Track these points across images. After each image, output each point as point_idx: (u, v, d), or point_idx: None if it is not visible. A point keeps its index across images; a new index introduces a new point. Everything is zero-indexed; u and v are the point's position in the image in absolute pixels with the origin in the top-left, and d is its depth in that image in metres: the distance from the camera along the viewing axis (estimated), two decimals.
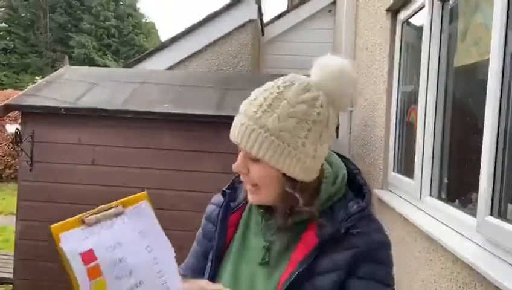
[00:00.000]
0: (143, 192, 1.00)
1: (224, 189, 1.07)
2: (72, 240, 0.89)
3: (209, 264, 1.04)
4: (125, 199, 0.98)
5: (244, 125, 0.89)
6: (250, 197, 0.97)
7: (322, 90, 0.91)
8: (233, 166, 0.94)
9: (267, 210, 0.99)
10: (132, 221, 0.96)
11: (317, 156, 0.91)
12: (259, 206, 1.00)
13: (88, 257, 0.89)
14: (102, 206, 0.95)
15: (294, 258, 0.92)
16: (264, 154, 0.87)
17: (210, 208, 1.12)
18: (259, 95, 0.91)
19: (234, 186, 1.08)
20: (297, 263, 0.90)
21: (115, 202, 0.96)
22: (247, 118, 0.89)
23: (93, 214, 0.93)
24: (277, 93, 0.89)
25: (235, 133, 0.91)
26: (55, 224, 0.89)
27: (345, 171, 1.00)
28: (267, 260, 0.96)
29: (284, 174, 0.90)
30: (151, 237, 0.97)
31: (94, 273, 0.89)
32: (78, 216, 0.92)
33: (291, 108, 0.88)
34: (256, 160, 0.90)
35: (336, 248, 0.90)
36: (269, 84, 0.93)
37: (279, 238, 0.95)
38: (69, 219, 0.91)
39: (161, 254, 0.96)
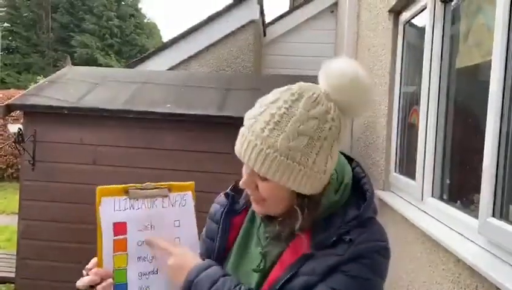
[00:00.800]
0: (191, 182, 1.00)
1: (227, 191, 1.06)
2: (111, 208, 0.91)
3: None
4: (173, 183, 0.98)
5: (250, 145, 0.83)
6: (255, 208, 0.95)
7: (333, 102, 0.85)
8: (241, 183, 0.91)
9: (269, 217, 0.96)
10: (173, 208, 0.96)
11: (328, 170, 0.87)
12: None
13: (119, 229, 0.91)
14: (149, 183, 0.95)
15: (284, 260, 0.90)
16: (274, 175, 0.83)
17: (214, 207, 1.09)
18: (265, 109, 0.84)
19: (238, 188, 1.04)
20: (287, 265, 0.89)
21: (162, 183, 0.96)
22: (254, 136, 0.83)
23: (139, 188, 0.94)
24: (285, 108, 0.82)
25: (241, 151, 0.86)
26: (102, 186, 0.91)
27: (350, 175, 0.95)
28: (262, 267, 0.94)
29: (293, 191, 0.87)
30: (184, 230, 0.97)
31: (120, 246, 0.91)
32: (123, 185, 0.92)
33: (301, 125, 0.81)
34: (264, 178, 0.86)
35: (324, 253, 0.86)
36: (275, 94, 0.86)
37: (274, 247, 0.94)
38: (115, 186, 0.92)
39: (188, 249, 0.97)
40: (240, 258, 0.99)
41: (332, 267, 0.84)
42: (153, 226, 0.94)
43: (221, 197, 1.10)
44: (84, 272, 0.95)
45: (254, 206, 0.95)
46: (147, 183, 0.95)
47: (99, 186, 0.91)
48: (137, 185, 0.94)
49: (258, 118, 0.84)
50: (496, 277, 1.36)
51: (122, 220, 0.91)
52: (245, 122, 0.87)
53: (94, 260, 0.91)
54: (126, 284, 0.93)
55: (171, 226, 0.96)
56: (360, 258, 0.84)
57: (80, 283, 0.93)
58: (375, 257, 0.86)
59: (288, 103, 0.83)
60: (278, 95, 0.86)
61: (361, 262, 0.84)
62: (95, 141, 3.27)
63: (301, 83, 0.88)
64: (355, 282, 0.83)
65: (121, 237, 0.91)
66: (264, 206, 0.92)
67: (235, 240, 1.02)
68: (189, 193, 0.99)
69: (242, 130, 0.87)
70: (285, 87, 0.88)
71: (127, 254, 0.91)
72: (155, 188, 0.96)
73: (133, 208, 0.92)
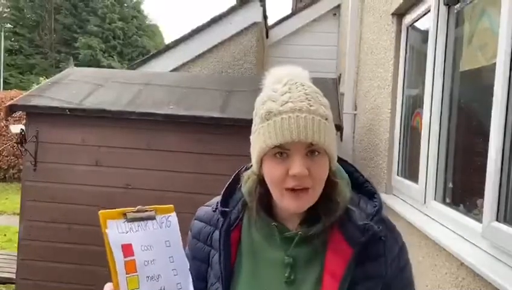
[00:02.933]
0: (171, 205, 1.03)
1: (220, 208, 0.99)
2: (115, 230, 0.94)
3: (217, 286, 0.97)
4: (157, 206, 1.02)
5: (307, 120, 0.84)
6: (295, 205, 0.88)
7: None
8: (297, 170, 0.84)
9: (277, 221, 0.93)
10: (160, 229, 1.00)
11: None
12: (270, 219, 0.94)
13: (127, 250, 0.94)
14: (141, 207, 0.98)
15: (330, 271, 0.87)
16: (330, 144, 0.87)
17: (198, 225, 1.05)
18: (289, 92, 0.88)
19: (227, 202, 1.01)
20: (341, 276, 0.86)
21: (148, 206, 1.00)
22: (305, 112, 0.85)
23: (134, 211, 0.98)
24: (308, 87, 0.90)
25: (300, 131, 0.83)
26: (103, 210, 0.94)
27: (347, 175, 0.98)
28: (292, 277, 0.90)
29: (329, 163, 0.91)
30: (174, 249, 1.00)
31: (130, 267, 0.94)
32: (120, 209, 0.96)
33: (323, 98, 0.91)
34: (315, 155, 0.86)
35: (366, 255, 0.89)
36: (277, 82, 0.91)
37: (302, 251, 0.91)
38: (114, 210, 0.96)
39: (180, 267, 0.99)
40: (253, 274, 0.94)
41: (387, 266, 0.90)
42: (151, 246, 0.97)
43: (202, 213, 1.06)
44: None
45: (293, 204, 0.88)
46: (138, 207, 0.98)
47: (102, 211, 0.94)
48: (132, 208, 0.97)
49: (294, 99, 0.87)
50: (500, 281, 1.35)
51: (127, 241, 0.95)
52: (278, 109, 0.86)
53: (109, 285, 0.92)
54: None
55: (163, 246, 0.99)
56: (404, 251, 0.95)
57: None
58: (405, 247, 0.97)
59: (303, 84, 0.90)
60: (285, 80, 0.91)
61: (405, 253, 0.96)
62: (97, 142, 3.27)
63: (287, 72, 0.95)
64: (408, 269, 0.97)
65: (130, 258, 0.94)
66: (308, 196, 0.88)
67: (236, 257, 0.97)
68: (173, 215, 1.02)
69: (282, 115, 0.85)
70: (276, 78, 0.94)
71: (137, 275, 0.95)
72: (145, 211, 0.99)
73: (132, 231, 0.96)
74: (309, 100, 0.87)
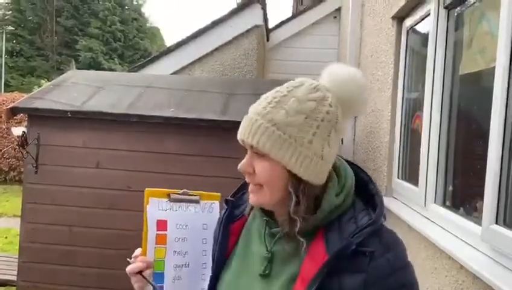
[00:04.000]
0: (219, 193, 1.15)
1: (228, 197, 1.06)
2: (156, 207, 1.07)
3: (209, 272, 1.04)
4: (203, 192, 1.14)
5: (251, 121, 0.88)
6: (251, 198, 0.93)
7: (331, 93, 0.90)
8: (239, 165, 0.92)
9: (272, 217, 0.96)
10: (202, 213, 1.12)
11: (325, 157, 0.87)
12: (264, 213, 0.98)
13: (162, 225, 1.07)
14: (186, 190, 1.11)
15: (305, 274, 0.86)
16: (271, 148, 0.85)
17: (222, 212, 1.10)
18: (268, 95, 0.91)
19: (239, 195, 1.06)
20: (309, 280, 0.84)
21: (195, 191, 1.13)
22: (255, 114, 0.88)
23: (178, 193, 1.10)
24: (287, 92, 0.89)
25: (242, 130, 0.90)
26: (150, 188, 1.08)
27: (353, 179, 0.94)
28: (267, 272, 0.92)
29: (289, 172, 0.87)
30: (210, 233, 1.10)
31: (161, 240, 1.07)
32: (166, 190, 1.10)
33: (300, 105, 0.86)
34: (262, 156, 0.88)
35: (345, 267, 0.83)
36: (278, 87, 0.93)
37: (282, 248, 0.91)
38: (160, 189, 1.10)
39: (209, 249, 1.09)
40: (241, 265, 0.98)
41: (365, 284, 0.82)
42: (187, 225, 1.10)
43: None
44: (130, 260, 1.08)
45: (250, 198, 0.93)
46: (184, 190, 1.11)
47: (147, 189, 1.08)
48: (178, 190, 1.11)
49: (261, 101, 0.91)
50: (499, 284, 1.35)
51: (164, 218, 1.08)
52: (249, 110, 0.92)
53: (139, 250, 1.03)
54: (163, 273, 1.09)
55: (200, 228, 1.12)
56: (391, 273, 0.83)
57: (130, 268, 1.06)
58: (403, 270, 0.86)
59: (289, 88, 0.90)
60: (280, 86, 0.93)
61: (395, 275, 0.84)
62: (98, 145, 3.28)
63: (302, 78, 0.95)
64: None
65: (162, 232, 1.07)
66: (260, 194, 0.91)
67: (235, 247, 1.02)
68: (217, 203, 1.15)
69: (245, 116, 0.92)
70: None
71: (165, 247, 1.08)
72: (190, 195, 1.12)
73: (172, 210, 1.09)
74: (269, 103, 0.88)
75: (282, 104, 0.86)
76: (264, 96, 0.92)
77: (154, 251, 1.05)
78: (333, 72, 0.93)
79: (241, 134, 0.90)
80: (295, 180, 0.87)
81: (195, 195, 1.11)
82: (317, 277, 0.83)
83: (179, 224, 1.08)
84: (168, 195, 1.08)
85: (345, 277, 0.83)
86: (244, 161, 0.92)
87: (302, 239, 0.88)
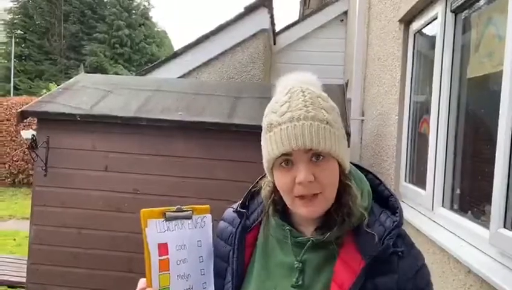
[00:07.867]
0: (207, 205, 1.07)
1: (238, 209, 1.03)
2: (154, 229, 0.98)
3: (229, 285, 0.99)
4: (194, 206, 1.05)
5: (304, 127, 0.85)
6: (308, 211, 0.89)
7: None
8: (301, 178, 0.86)
9: (293, 226, 0.95)
10: (195, 228, 1.04)
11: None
12: (286, 223, 0.96)
13: (163, 249, 0.98)
14: (179, 206, 1.02)
15: (338, 281, 0.87)
16: (331, 147, 0.86)
17: (222, 225, 1.07)
18: (289, 101, 0.89)
19: (246, 204, 1.04)
20: (348, 286, 0.85)
21: (186, 206, 1.04)
22: (302, 119, 0.85)
23: (172, 211, 1.02)
24: (307, 93, 0.90)
25: (294, 139, 0.85)
26: (145, 209, 0.99)
27: (368, 184, 0.97)
28: (300, 283, 0.90)
29: (340, 167, 0.90)
30: (204, 249, 1.04)
31: (164, 266, 0.98)
32: (161, 209, 1.01)
33: (327, 102, 0.91)
34: (318, 159, 0.87)
35: (379, 269, 0.86)
36: (282, 91, 0.93)
37: (312, 257, 0.91)
38: (155, 209, 1.01)
39: (207, 267, 1.03)
40: (262, 277, 0.96)
41: (400, 283, 0.87)
42: (185, 245, 1.01)
43: (227, 214, 1.08)
44: None
45: (304, 210, 0.89)
46: (178, 207, 1.02)
47: (143, 209, 0.98)
48: (172, 207, 1.01)
49: (292, 108, 0.88)
50: (508, 288, 1.35)
51: (164, 241, 0.98)
52: (277, 120, 0.88)
53: (142, 281, 0.96)
54: None
55: (196, 246, 1.03)
56: (422, 270, 0.91)
57: None
58: (427, 267, 0.93)
59: (303, 90, 0.90)
60: (285, 91, 0.93)
61: (425, 273, 0.92)
62: (107, 148, 3.30)
63: (290, 82, 0.96)
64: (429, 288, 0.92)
65: (164, 257, 0.98)
66: (316, 203, 0.89)
67: (252, 258, 0.99)
68: (209, 216, 1.06)
69: (281, 126, 0.87)
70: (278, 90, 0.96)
71: (169, 273, 0.98)
72: (183, 211, 1.03)
73: (169, 230, 1.00)
74: (307, 107, 0.87)
75: (316, 105, 0.88)
76: (280, 104, 0.90)
77: (158, 279, 0.97)
78: (292, 78, 0.97)
79: (297, 143, 0.85)
80: (343, 174, 0.92)
81: (187, 210, 1.03)
82: (358, 282, 0.85)
83: (178, 245, 1.00)
84: (164, 214, 1.00)
85: (379, 279, 0.86)
86: (304, 171, 0.86)
87: (334, 245, 0.89)
